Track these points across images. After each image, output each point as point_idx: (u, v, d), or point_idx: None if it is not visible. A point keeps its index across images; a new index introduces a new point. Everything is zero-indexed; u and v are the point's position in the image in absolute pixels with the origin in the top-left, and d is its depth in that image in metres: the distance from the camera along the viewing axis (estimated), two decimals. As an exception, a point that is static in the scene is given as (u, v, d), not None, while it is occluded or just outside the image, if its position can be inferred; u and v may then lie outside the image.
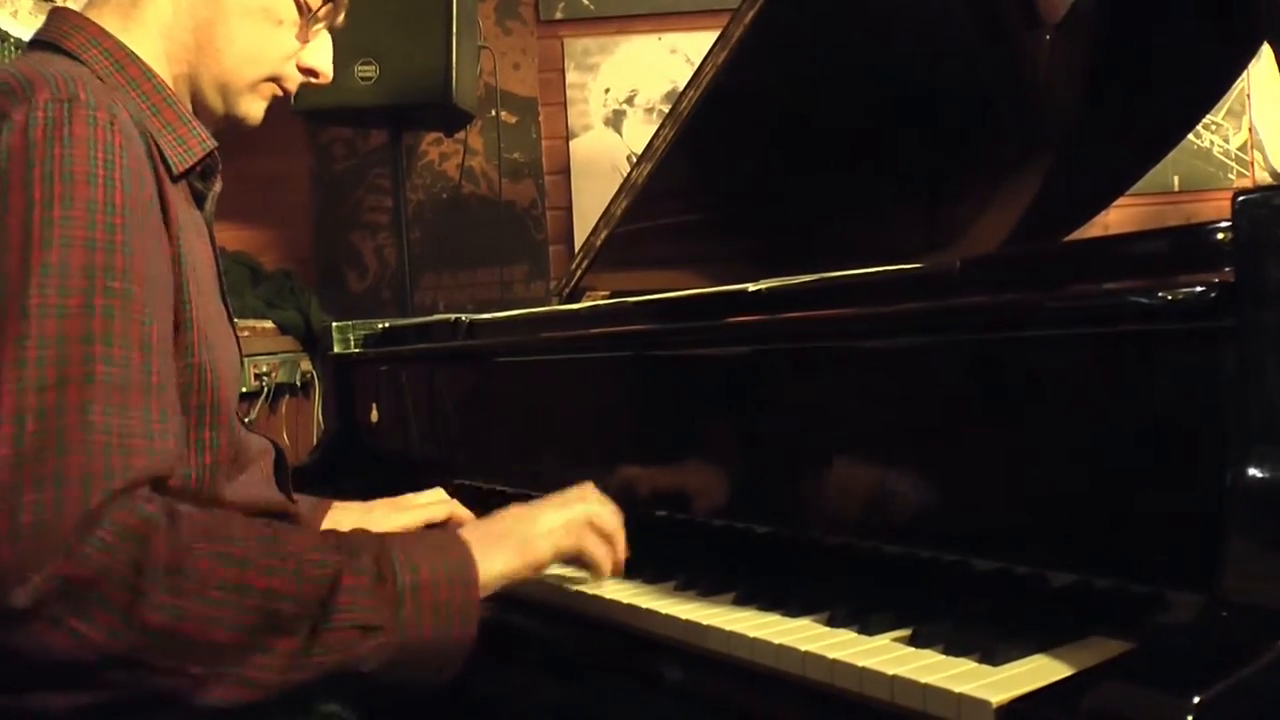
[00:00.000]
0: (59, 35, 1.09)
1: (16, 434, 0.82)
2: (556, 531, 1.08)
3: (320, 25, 1.20)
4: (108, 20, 1.10)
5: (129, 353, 0.90)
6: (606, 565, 1.10)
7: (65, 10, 1.12)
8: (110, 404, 0.87)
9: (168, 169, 1.07)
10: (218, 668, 0.86)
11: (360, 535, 0.98)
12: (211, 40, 1.13)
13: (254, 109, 1.18)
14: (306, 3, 1.17)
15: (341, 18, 1.21)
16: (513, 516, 1.08)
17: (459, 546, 1.00)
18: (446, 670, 0.97)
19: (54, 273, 0.88)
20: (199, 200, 1.17)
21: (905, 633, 0.90)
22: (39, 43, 1.10)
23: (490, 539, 1.03)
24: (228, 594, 0.86)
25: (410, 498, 1.43)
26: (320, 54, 1.20)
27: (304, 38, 1.18)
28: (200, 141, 1.12)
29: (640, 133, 3.57)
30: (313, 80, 1.21)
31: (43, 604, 0.80)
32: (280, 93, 1.20)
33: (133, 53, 1.10)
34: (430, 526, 1.38)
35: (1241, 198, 0.77)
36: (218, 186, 1.20)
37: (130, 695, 0.91)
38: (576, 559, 1.11)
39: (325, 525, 1.38)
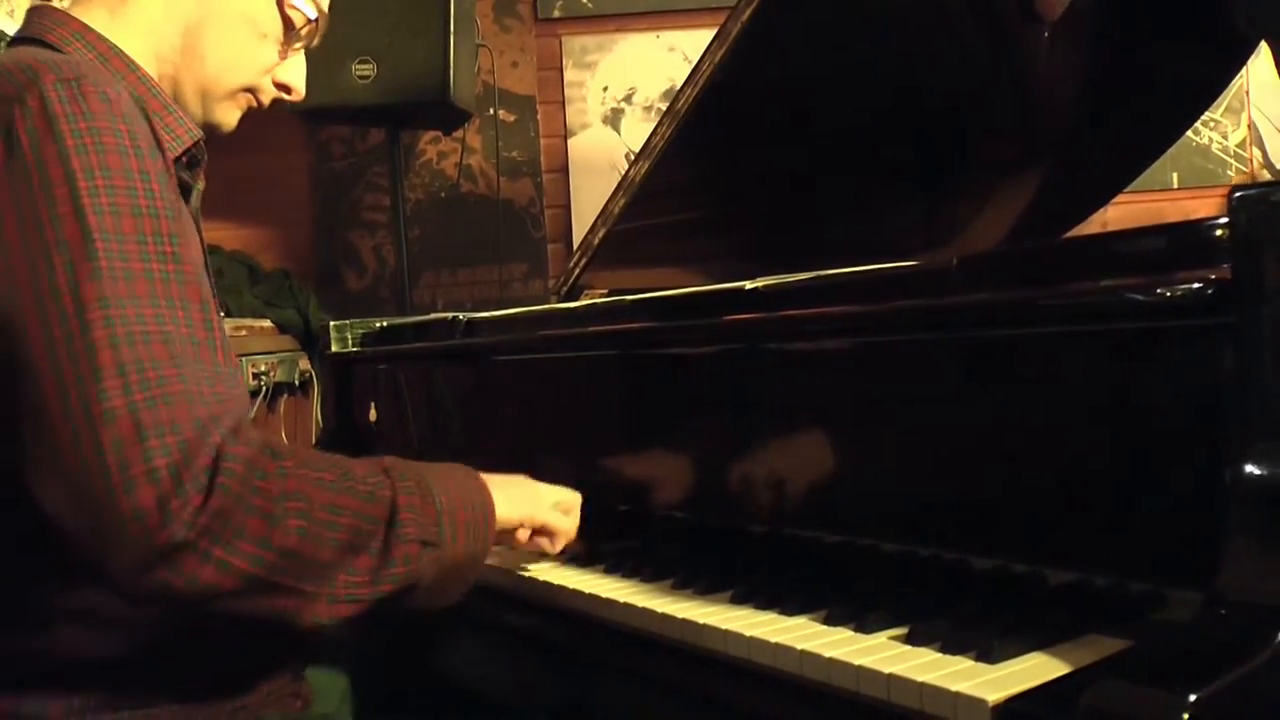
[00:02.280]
0: (40, 30, 1.09)
1: (124, 385, 0.87)
2: (558, 503, 1.21)
3: (300, 44, 1.23)
4: (94, 17, 1.11)
5: (190, 313, 0.95)
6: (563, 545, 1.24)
7: (46, 7, 1.12)
8: (188, 358, 0.91)
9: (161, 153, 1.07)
10: (323, 585, 0.93)
11: (398, 462, 1.05)
12: (198, 44, 1.14)
13: (229, 116, 1.21)
14: (291, 20, 1.20)
15: (317, 40, 1.25)
16: (521, 478, 1.21)
17: (476, 478, 1.10)
18: (461, 591, 1.05)
19: (111, 238, 0.91)
20: (185, 194, 1.17)
21: (902, 631, 0.89)
22: (21, 39, 1.10)
23: (503, 485, 1.14)
24: (328, 514, 0.93)
25: None
26: (295, 71, 1.24)
27: (284, 54, 1.22)
28: (187, 130, 1.14)
29: (638, 131, 3.57)
30: (285, 96, 1.25)
31: (196, 537, 0.85)
32: (255, 104, 1.23)
33: (117, 47, 1.10)
34: None
35: (1239, 194, 0.76)
36: (201, 184, 1.20)
37: (128, 691, 0.92)
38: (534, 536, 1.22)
39: None
